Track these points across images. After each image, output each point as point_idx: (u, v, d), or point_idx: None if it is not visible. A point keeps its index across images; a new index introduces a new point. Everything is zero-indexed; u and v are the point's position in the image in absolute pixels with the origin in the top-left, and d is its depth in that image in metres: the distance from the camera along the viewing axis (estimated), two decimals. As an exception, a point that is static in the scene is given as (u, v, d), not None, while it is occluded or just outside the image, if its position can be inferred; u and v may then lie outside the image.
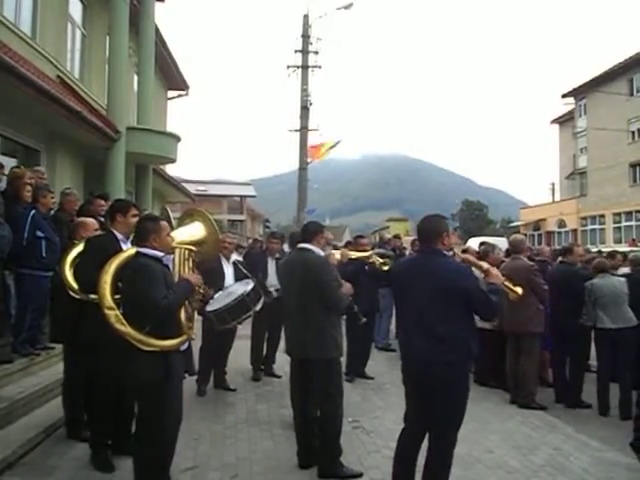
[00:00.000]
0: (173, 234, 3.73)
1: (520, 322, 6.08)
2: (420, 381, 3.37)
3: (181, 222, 4.25)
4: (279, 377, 6.94)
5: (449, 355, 3.23)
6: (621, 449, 4.64)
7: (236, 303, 5.08)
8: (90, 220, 4.82)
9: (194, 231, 4.05)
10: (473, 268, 3.60)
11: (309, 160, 20.01)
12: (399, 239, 10.26)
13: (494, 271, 3.51)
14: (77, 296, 4.28)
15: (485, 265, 3.63)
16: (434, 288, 3.26)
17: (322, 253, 4.26)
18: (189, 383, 4.19)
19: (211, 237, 4.07)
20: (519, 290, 3.75)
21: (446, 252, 3.45)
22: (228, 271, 5.61)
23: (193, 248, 3.80)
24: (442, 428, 3.33)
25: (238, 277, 5.84)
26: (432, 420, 3.34)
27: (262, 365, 7.16)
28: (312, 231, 4.33)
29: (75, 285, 4.23)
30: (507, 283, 3.65)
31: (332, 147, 20.31)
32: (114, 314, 3.29)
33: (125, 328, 3.24)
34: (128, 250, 3.67)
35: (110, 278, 3.42)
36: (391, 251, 8.51)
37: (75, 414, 4.63)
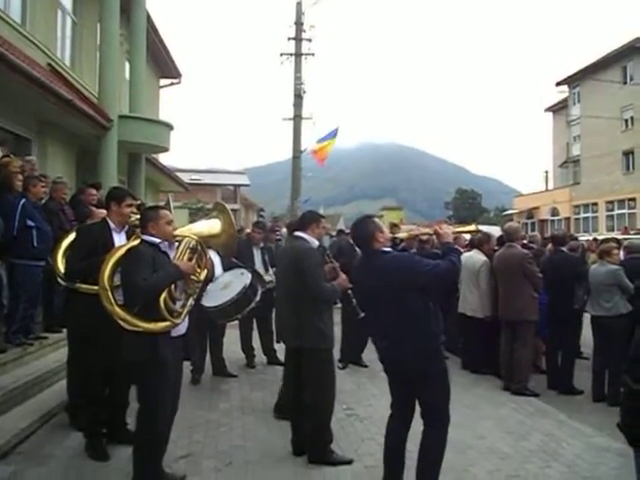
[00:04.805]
0: (191, 225, 3.97)
1: (515, 310, 6.12)
2: (394, 373, 3.52)
3: (209, 215, 4.51)
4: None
5: (410, 346, 3.31)
6: (612, 435, 4.67)
7: (240, 296, 5.07)
8: (99, 210, 4.79)
9: (213, 223, 4.27)
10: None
11: (305, 153, 19.83)
12: (398, 228, 10.00)
13: (442, 230, 3.54)
14: (64, 283, 4.28)
15: (431, 229, 3.70)
16: (382, 285, 3.35)
17: (315, 242, 4.25)
18: (183, 371, 4.20)
19: (228, 230, 4.27)
20: (472, 227, 4.32)
21: (386, 248, 3.50)
22: (215, 260, 5.57)
23: (195, 237, 3.80)
24: (429, 413, 3.39)
25: (227, 267, 5.72)
26: (420, 406, 3.42)
27: (254, 352, 7.19)
28: (307, 220, 4.35)
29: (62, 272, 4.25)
30: (460, 229, 3.90)
31: (333, 137, 20.00)
32: (106, 294, 3.43)
33: (112, 307, 3.39)
34: (135, 238, 3.74)
35: (113, 261, 3.53)
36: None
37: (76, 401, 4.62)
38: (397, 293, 3.30)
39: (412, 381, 3.39)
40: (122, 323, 3.35)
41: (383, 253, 3.45)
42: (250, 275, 5.33)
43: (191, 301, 3.61)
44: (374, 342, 3.71)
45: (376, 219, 3.64)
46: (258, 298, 5.27)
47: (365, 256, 3.58)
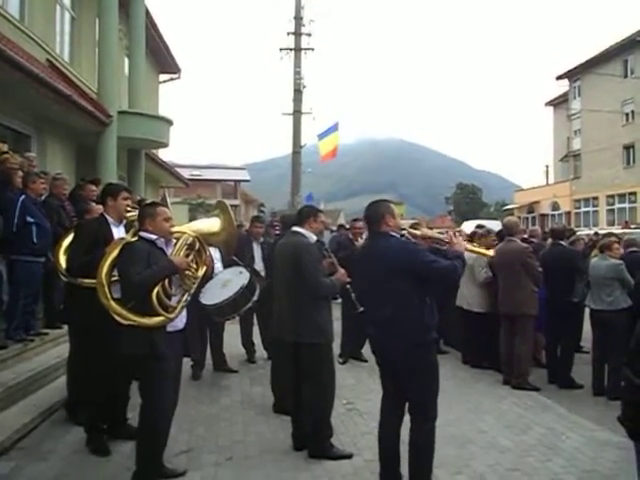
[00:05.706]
0: (191, 223, 4.02)
1: (514, 304, 6.11)
2: (385, 364, 3.54)
3: (211, 212, 4.56)
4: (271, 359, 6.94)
5: (401, 336, 3.31)
6: (612, 428, 4.67)
7: (238, 296, 5.08)
8: (96, 206, 4.81)
9: (213, 221, 4.31)
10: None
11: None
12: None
13: (455, 239, 3.56)
14: (66, 279, 4.29)
15: (445, 236, 3.69)
16: (380, 270, 3.37)
17: (313, 237, 4.24)
18: (184, 367, 4.21)
19: (228, 229, 4.30)
20: (490, 252, 4.31)
21: (394, 233, 3.50)
22: (216, 256, 5.56)
23: (192, 234, 3.79)
24: (417, 406, 3.40)
25: (227, 264, 5.72)
26: (408, 399, 3.43)
27: (254, 347, 7.19)
28: (304, 215, 4.34)
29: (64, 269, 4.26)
30: (476, 249, 3.85)
31: (334, 131, 19.90)
32: (102, 289, 3.47)
33: (108, 302, 3.44)
34: (135, 233, 3.75)
35: (111, 258, 3.56)
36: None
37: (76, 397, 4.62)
38: (396, 277, 3.30)
39: (402, 373, 3.38)
40: (117, 317, 3.38)
41: (390, 236, 3.46)
42: (248, 275, 5.34)
43: (187, 297, 3.61)
44: (367, 330, 3.67)
45: (391, 205, 3.64)
46: (256, 298, 5.27)
47: (371, 237, 3.60)
